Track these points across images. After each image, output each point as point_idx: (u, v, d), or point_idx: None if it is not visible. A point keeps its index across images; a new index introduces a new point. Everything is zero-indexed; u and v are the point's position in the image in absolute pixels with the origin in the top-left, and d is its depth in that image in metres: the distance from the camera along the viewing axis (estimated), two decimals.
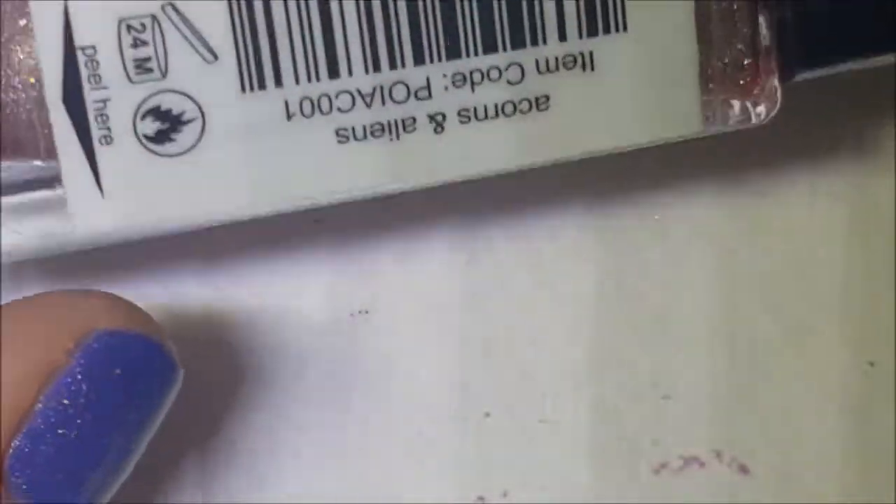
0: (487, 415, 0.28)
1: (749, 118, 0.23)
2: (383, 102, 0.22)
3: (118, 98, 0.21)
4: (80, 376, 0.22)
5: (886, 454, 0.28)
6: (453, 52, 0.22)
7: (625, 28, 0.22)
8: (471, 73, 0.22)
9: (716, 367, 0.28)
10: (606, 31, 0.22)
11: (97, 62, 0.21)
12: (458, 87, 0.22)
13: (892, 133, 0.27)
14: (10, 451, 0.22)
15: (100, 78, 0.21)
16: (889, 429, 0.28)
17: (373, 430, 0.28)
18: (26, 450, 0.22)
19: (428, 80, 0.22)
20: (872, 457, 0.28)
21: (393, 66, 0.21)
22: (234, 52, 0.21)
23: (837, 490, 0.28)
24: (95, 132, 0.21)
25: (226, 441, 0.28)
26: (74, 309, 0.23)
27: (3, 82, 0.21)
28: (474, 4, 0.21)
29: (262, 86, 0.21)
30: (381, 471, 0.28)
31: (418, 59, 0.21)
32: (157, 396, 0.23)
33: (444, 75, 0.22)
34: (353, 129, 0.22)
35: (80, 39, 0.21)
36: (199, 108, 0.21)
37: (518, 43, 0.22)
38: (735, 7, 0.22)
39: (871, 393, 0.28)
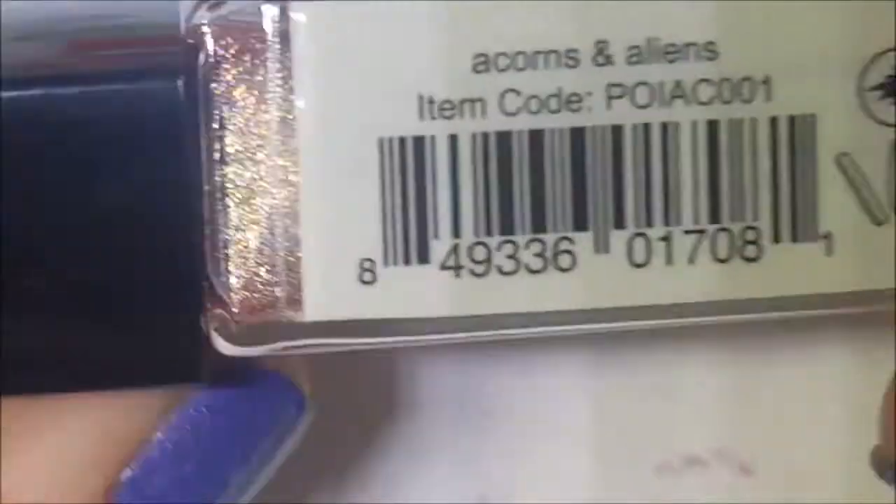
0: (487, 413, 0.28)
1: None
2: None
3: None
4: (204, 408, 0.22)
5: None
6: None
7: None
8: None
9: (718, 367, 0.28)
10: None
11: None
12: None
13: None
14: (123, 480, 0.22)
15: None
16: None
17: (372, 428, 0.28)
18: (139, 481, 0.22)
19: None
20: None
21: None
22: None
23: (840, 491, 0.28)
24: None
25: None
26: None
27: None
28: None
29: None
30: (380, 470, 0.28)
31: None
32: (282, 429, 0.23)
33: None
34: None
35: None
36: None
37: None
38: None
39: (873, 393, 0.27)
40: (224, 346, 0.21)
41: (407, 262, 0.21)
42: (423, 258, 0.21)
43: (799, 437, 0.28)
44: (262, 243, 0.21)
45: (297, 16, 0.20)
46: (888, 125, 0.21)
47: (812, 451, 0.28)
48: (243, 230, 0.21)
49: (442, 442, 0.28)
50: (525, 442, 0.28)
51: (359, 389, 0.28)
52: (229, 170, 0.21)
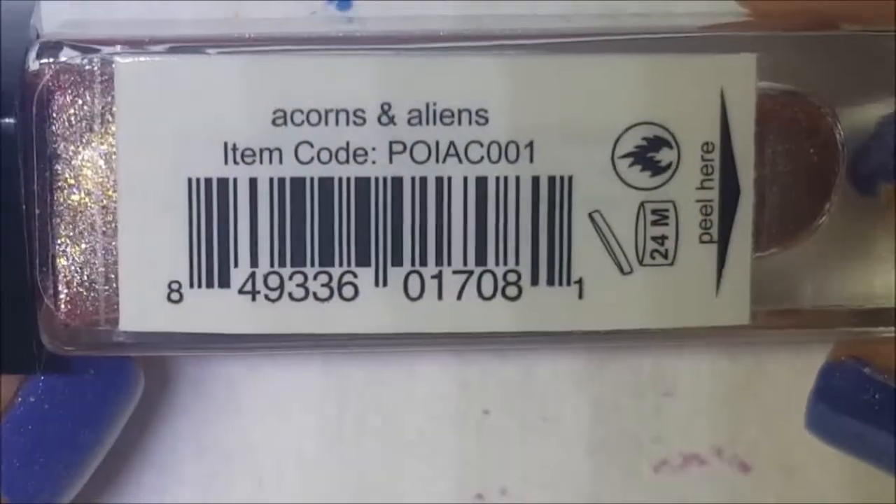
0: (487, 412, 0.29)
1: None
2: None
3: None
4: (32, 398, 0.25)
5: None
6: None
7: None
8: None
9: (717, 365, 0.29)
10: None
11: None
12: None
13: None
14: None
15: None
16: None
17: (372, 428, 0.29)
18: None
19: None
20: None
21: None
22: None
23: (838, 488, 0.28)
24: None
25: (226, 441, 0.29)
26: None
27: None
28: None
29: None
30: (380, 469, 0.29)
31: None
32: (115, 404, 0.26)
33: None
34: None
35: None
36: None
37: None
38: None
39: None
40: (51, 347, 0.24)
41: (210, 285, 0.24)
42: (224, 283, 0.24)
43: (797, 435, 0.27)
44: (85, 261, 0.24)
45: (121, 66, 0.23)
46: (636, 188, 0.24)
47: (810, 450, 0.28)
48: (69, 248, 0.24)
49: (442, 441, 0.29)
50: (524, 441, 0.29)
51: (359, 389, 0.29)
52: (58, 196, 0.24)
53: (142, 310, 0.24)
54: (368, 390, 0.29)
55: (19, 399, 0.25)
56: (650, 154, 0.24)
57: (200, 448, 0.29)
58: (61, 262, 0.24)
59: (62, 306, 0.24)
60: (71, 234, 0.24)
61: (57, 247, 0.24)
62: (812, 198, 0.25)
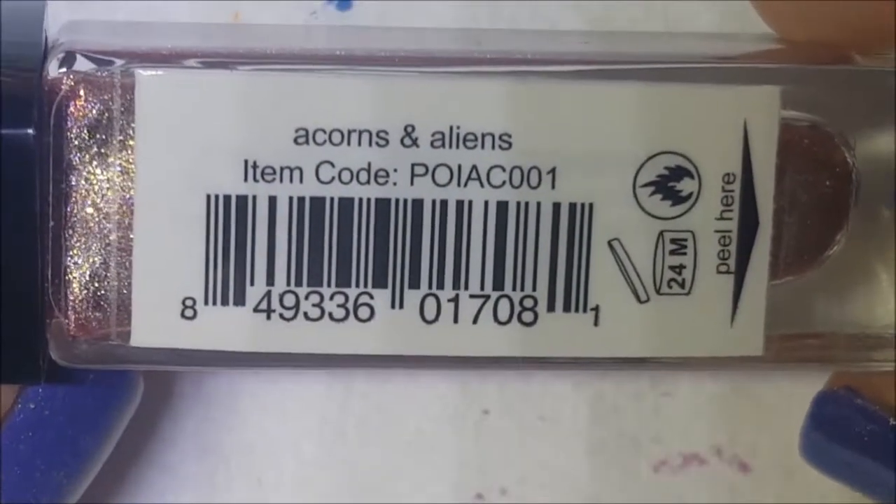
0: (486, 412, 0.29)
1: None
2: None
3: None
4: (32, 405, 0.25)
5: None
6: None
7: None
8: None
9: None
10: None
11: None
12: None
13: None
14: None
15: None
16: None
17: (372, 428, 0.29)
18: None
19: None
20: None
21: None
22: None
23: (837, 488, 0.28)
24: None
25: (226, 441, 0.29)
26: None
27: None
28: None
29: None
30: (380, 469, 0.29)
31: None
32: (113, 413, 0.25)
33: None
34: None
35: None
36: None
37: None
38: None
39: None
40: (60, 360, 0.24)
41: (225, 302, 0.23)
42: (239, 301, 0.24)
43: (797, 435, 0.27)
44: (97, 274, 0.23)
45: (143, 78, 0.23)
46: (656, 217, 0.24)
47: None
48: (82, 261, 0.23)
49: (441, 442, 0.29)
50: (524, 441, 0.29)
51: (359, 389, 0.29)
52: (73, 208, 0.23)
53: (154, 325, 0.24)
54: (368, 390, 0.29)
55: (19, 405, 0.25)
56: (671, 183, 0.24)
57: (201, 448, 0.29)
58: (73, 275, 0.24)
59: (72, 319, 0.24)
60: (84, 247, 0.23)
61: (69, 259, 0.23)
62: (826, 227, 0.25)
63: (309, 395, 0.29)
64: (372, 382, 0.29)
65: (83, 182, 0.23)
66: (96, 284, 0.24)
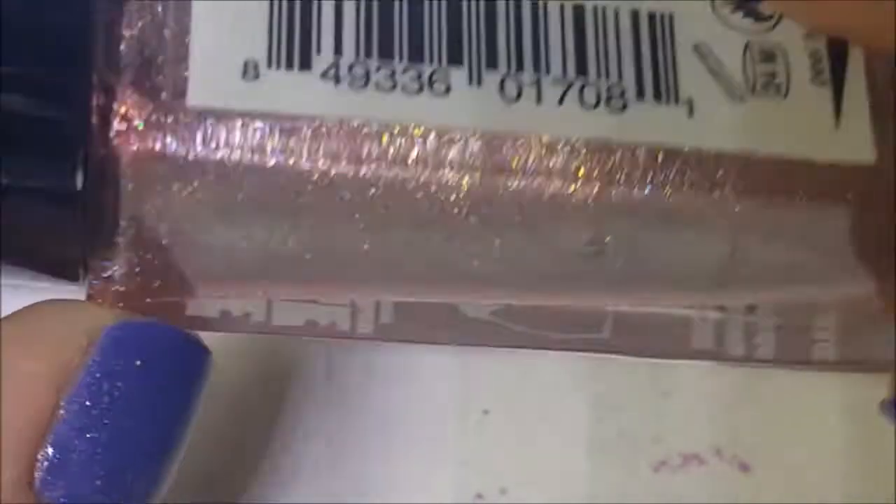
0: (487, 412, 0.28)
1: None
2: None
3: None
4: (98, 374, 0.20)
5: (886, 453, 0.27)
6: None
7: None
8: None
9: (716, 365, 0.28)
10: None
11: None
12: None
13: None
14: (40, 464, 0.20)
15: None
16: (889, 428, 0.26)
17: (372, 427, 0.28)
18: (56, 460, 0.20)
19: None
20: (872, 455, 0.28)
21: None
22: None
23: (838, 489, 0.28)
24: None
25: (227, 441, 0.27)
26: (81, 310, 0.21)
27: None
28: None
29: None
30: (380, 469, 0.28)
31: None
32: (186, 383, 0.21)
33: None
34: None
35: None
36: None
37: None
38: None
39: (871, 391, 0.26)
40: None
41: (290, 67, 0.22)
42: (306, 66, 0.22)
43: (797, 435, 0.28)
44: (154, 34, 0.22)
45: None
46: (740, 30, 0.23)
47: (810, 450, 0.28)
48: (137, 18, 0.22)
49: (442, 441, 0.28)
50: (524, 441, 0.28)
51: (359, 389, 0.28)
52: None
53: (212, 84, 0.22)
54: (369, 390, 0.28)
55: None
56: (752, 2, 0.23)
57: (201, 448, 0.25)
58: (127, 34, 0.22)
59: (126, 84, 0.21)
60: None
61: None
62: None
63: (310, 396, 0.28)
64: (372, 382, 0.28)
65: None
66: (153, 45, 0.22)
